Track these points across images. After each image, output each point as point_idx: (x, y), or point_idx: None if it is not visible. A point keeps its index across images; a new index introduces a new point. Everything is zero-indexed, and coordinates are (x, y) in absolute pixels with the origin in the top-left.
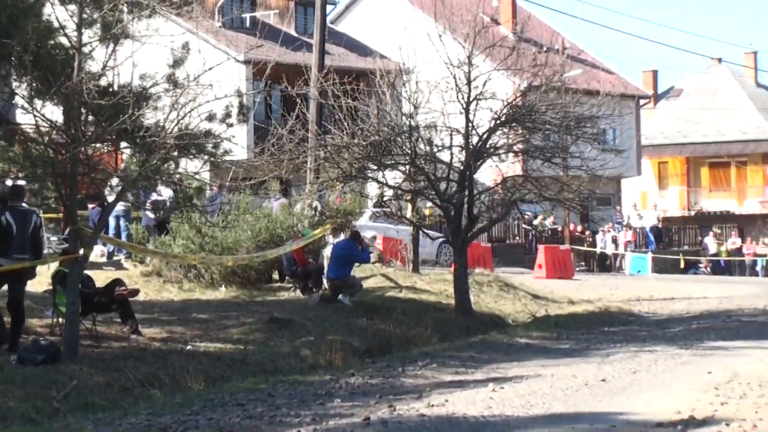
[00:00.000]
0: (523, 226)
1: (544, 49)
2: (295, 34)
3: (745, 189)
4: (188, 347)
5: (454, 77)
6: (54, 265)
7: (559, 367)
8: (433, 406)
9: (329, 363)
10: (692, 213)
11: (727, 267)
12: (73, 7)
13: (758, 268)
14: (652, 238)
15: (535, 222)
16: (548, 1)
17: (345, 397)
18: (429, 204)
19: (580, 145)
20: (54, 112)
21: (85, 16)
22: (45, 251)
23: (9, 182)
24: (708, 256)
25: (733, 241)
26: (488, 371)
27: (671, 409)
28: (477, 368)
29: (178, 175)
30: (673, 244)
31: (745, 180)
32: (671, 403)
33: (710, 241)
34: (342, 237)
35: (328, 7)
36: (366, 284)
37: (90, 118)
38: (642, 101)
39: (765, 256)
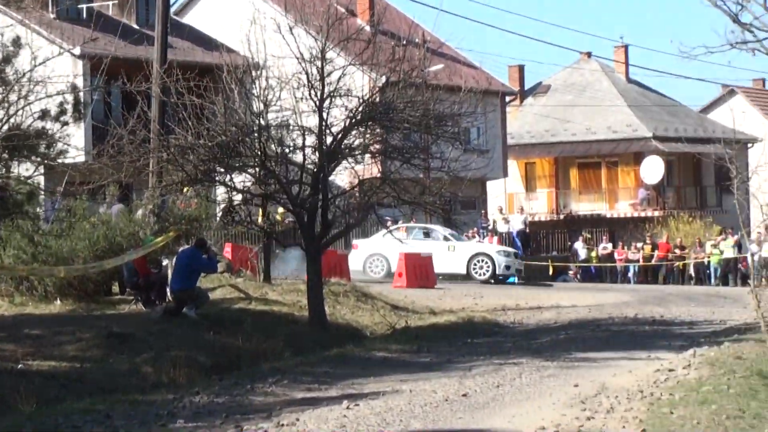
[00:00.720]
0: (383, 232)
1: (403, 42)
2: (136, 27)
3: (617, 191)
4: (19, 366)
5: (307, 73)
6: None
7: (418, 382)
8: (283, 425)
9: (172, 381)
10: (561, 217)
11: (598, 273)
12: None
13: (630, 274)
14: (519, 243)
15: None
16: None
17: (189, 417)
18: (281, 209)
19: (442, 145)
20: None
21: None
22: None
23: None
24: (578, 262)
25: (604, 246)
26: (343, 387)
27: (535, 425)
28: (331, 384)
29: (4, 180)
30: (541, 249)
31: (616, 182)
32: (535, 418)
33: (580, 247)
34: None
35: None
36: (213, 296)
37: None
38: (507, 98)
39: (637, 261)
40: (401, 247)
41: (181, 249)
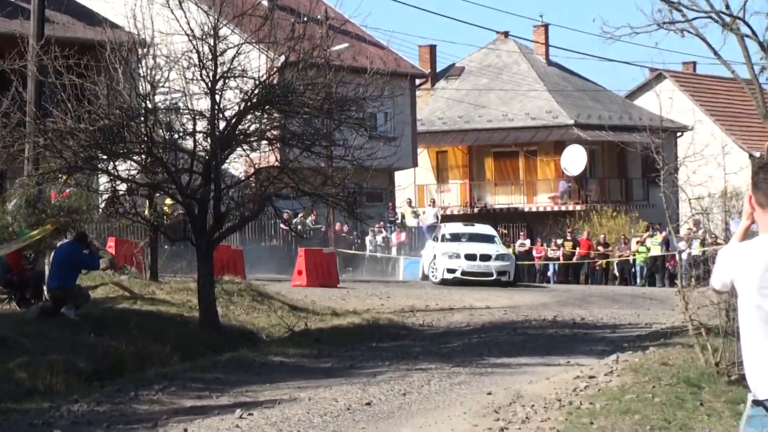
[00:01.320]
0: (281, 226)
1: (304, 18)
2: None
3: (535, 183)
4: None
5: (198, 51)
6: None
7: (318, 389)
8: None
9: (49, 388)
10: (475, 210)
11: (515, 272)
12: None
13: (549, 273)
14: (429, 237)
15: (295, 221)
16: None
17: (66, 427)
18: (169, 200)
19: (345, 131)
20: None
21: None
22: None
23: None
24: None
25: (522, 243)
26: (236, 395)
27: None
28: (223, 392)
29: None
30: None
31: (534, 173)
32: (445, 429)
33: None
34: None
35: None
36: (94, 294)
37: None
38: (417, 81)
39: (557, 259)
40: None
41: (59, 243)
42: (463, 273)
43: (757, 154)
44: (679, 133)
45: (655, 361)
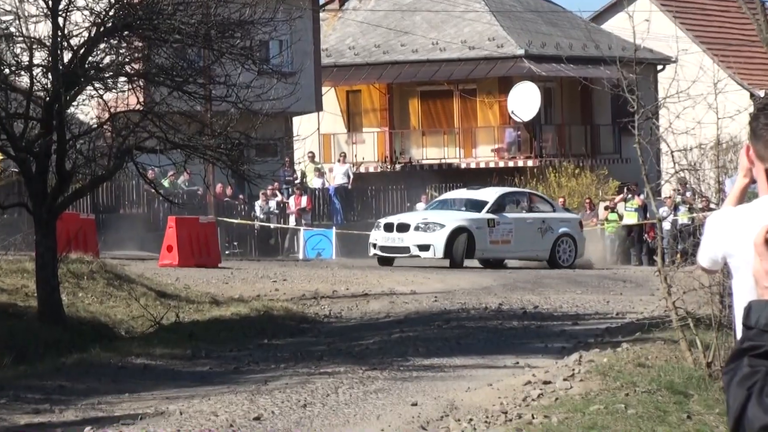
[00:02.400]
0: (145, 187)
1: None
2: None
3: (475, 132)
4: None
5: None
6: None
7: (193, 400)
8: None
9: None
10: (398, 167)
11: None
12: None
13: None
14: (338, 204)
15: (164, 181)
16: None
17: None
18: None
19: (228, 65)
20: None
21: None
22: None
23: None
24: None
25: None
26: (86, 408)
27: None
28: (69, 404)
29: None
30: (369, 212)
31: (474, 118)
32: None
33: (420, 209)
34: None
35: None
36: None
37: None
38: (321, 0)
39: None
40: None
41: None
42: (381, 249)
43: (761, 93)
44: (659, 67)
45: (629, 362)
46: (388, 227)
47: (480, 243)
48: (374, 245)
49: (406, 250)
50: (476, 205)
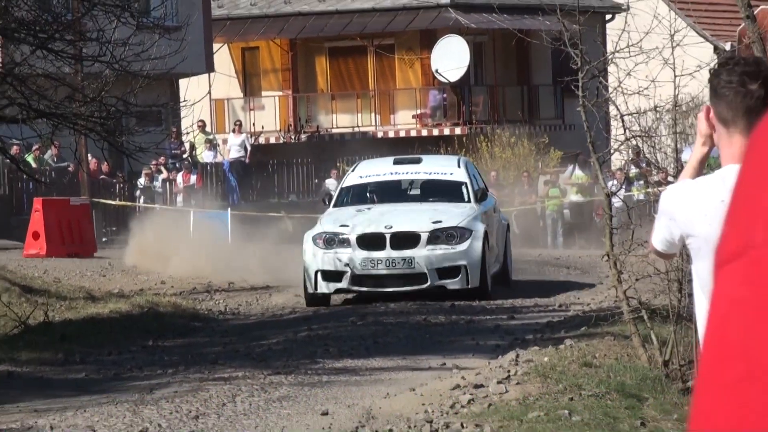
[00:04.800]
0: (6, 162)
1: None
2: None
3: (393, 95)
4: None
5: None
6: None
7: (66, 412)
8: None
9: None
10: (303, 137)
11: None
12: None
13: None
14: (234, 181)
15: (28, 157)
16: None
17: None
18: None
19: (101, 18)
20: None
21: None
22: None
23: None
24: None
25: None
26: None
27: None
28: None
29: None
30: (272, 192)
31: (392, 79)
32: None
33: (334, 185)
34: None
35: None
36: None
37: None
38: None
39: None
40: None
41: None
42: (354, 280)
43: (727, 46)
44: (608, 16)
45: (574, 361)
46: (374, 241)
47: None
48: (333, 274)
49: (420, 279)
50: (447, 190)
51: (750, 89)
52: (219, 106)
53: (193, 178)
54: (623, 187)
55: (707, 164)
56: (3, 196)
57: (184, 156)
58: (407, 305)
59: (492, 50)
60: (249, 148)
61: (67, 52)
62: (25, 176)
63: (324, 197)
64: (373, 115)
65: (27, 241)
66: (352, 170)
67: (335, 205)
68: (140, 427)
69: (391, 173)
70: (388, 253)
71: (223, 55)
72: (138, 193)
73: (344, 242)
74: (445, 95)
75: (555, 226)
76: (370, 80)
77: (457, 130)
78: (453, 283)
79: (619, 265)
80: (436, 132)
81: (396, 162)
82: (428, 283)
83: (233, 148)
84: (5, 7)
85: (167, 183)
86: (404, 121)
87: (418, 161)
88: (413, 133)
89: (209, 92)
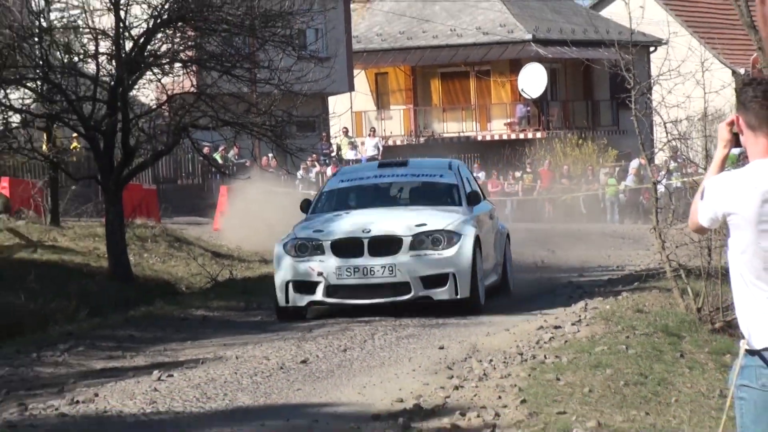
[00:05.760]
0: (200, 160)
1: None
2: None
3: (489, 108)
4: None
5: None
6: None
7: (247, 346)
8: (78, 402)
9: None
10: (422, 140)
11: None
12: None
13: (507, 210)
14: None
15: (216, 155)
16: None
17: None
18: (75, 134)
19: (271, 51)
20: None
21: None
22: None
23: None
24: None
25: (476, 176)
26: (153, 354)
27: (391, 396)
28: (138, 351)
29: None
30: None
31: (488, 96)
32: (391, 389)
33: None
34: None
35: None
36: None
37: None
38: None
39: (516, 194)
40: None
41: None
42: (329, 291)
43: (742, 71)
44: (652, 48)
45: (629, 308)
46: (346, 247)
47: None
48: (306, 285)
49: (403, 289)
50: (437, 193)
51: None
52: (358, 116)
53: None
54: (665, 177)
55: (728, 161)
56: (198, 184)
57: (332, 154)
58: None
59: (564, 74)
60: (381, 148)
61: (245, 76)
62: (213, 169)
63: (302, 203)
64: (474, 123)
65: (215, 219)
66: (334, 175)
67: (313, 212)
68: (302, 357)
69: (376, 176)
70: (366, 260)
71: (361, 79)
72: (297, 182)
73: (318, 249)
74: (528, 108)
75: (612, 207)
76: (472, 97)
77: (538, 135)
78: (440, 293)
79: (663, 236)
80: (522, 136)
81: (381, 166)
82: (412, 293)
83: (369, 148)
84: (199, 44)
85: (319, 174)
86: (498, 128)
87: (404, 164)
88: (504, 137)
89: (351, 107)
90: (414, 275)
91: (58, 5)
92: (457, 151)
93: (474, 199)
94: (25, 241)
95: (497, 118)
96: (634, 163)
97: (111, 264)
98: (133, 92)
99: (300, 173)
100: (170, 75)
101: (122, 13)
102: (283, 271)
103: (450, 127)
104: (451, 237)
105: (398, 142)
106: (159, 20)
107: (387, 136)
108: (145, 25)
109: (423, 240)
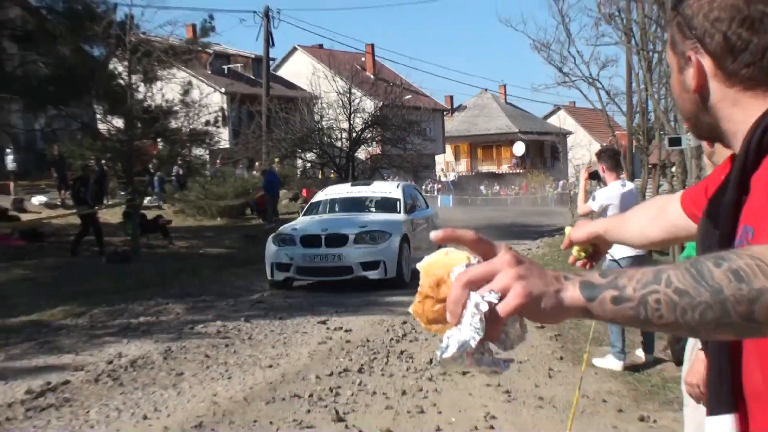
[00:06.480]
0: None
1: (391, 84)
2: (253, 77)
3: (501, 159)
4: (201, 251)
5: (342, 100)
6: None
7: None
8: None
9: None
10: (473, 173)
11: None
12: (125, 63)
13: (509, 203)
14: (452, 186)
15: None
16: (392, 56)
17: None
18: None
19: (412, 136)
20: (118, 122)
21: (133, 67)
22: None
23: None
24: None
25: (495, 189)
26: None
27: None
28: None
29: (188, 158)
30: (465, 190)
31: (501, 154)
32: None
33: (482, 188)
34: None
35: (271, 63)
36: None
37: (138, 125)
38: (445, 112)
39: (512, 195)
40: None
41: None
42: (298, 270)
43: (604, 143)
44: (567, 134)
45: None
46: (309, 240)
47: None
48: (283, 266)
49: (347, 270)
50: (388, 205)
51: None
52: (447, 163)
53: (439, 186)
54: (575, 187)
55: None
56: None
57: (437, 180)
58: (508, 223)
59: (532, 146)
60: (456, 176)
61: (402, 146)
62: None
63: (299, 209)
64: (495, 166)
65: None
66: (322, 190)
67: (304, 215)
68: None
69: (348, 192)
70: (323, 250)
71: (448, 148)
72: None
73: (292, 241)
74: (517, 160)
75: (552, 200)
76: (494, 154)
77: (520, 171)
78: (374, 274)
79: (572, 210)
80: (514, 171)
81: (353, 185)
82: (353, 273)
83: (451, 175)
84: (383, 134)
85: (431, 187)
86: (504, 168)
87: (369, 184)
88: (507, 172)
89: (444, 159)
90: (355, 261)
91: (325, 118)
92: (488, 178)
93: (411, 209)
94: None
95: (505, 163)
96: (561, 183)
97: None
98: (356, 153)
99: (424, 186)
100: (371, 146)
101: (352, 122)
102: (270, 255)
103: (485, 167)
104: (383, 235)
105: (464, 174)
106: (367, 124)
107: (459, 171)
108: (361, 126)
109: (363, 237)
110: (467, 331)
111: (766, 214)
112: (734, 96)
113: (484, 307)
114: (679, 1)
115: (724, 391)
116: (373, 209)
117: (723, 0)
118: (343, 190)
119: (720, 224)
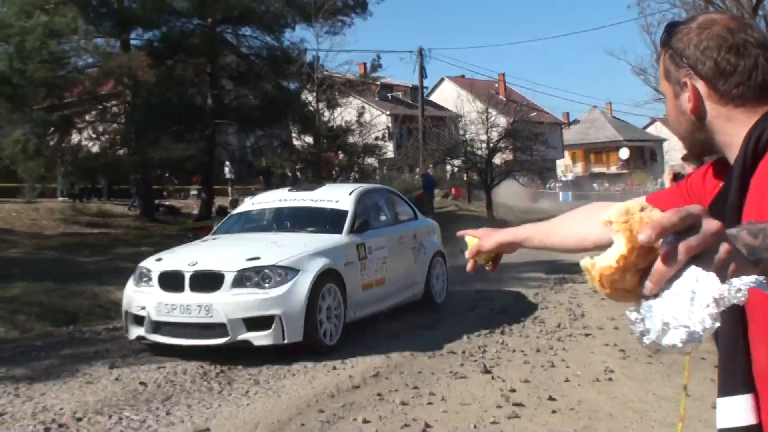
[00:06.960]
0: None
1: (519, 104)
2: (411, 102)
3: (610, 162)
4: None
5: (480, 118)
6: None
7: None
8: None
9: None
10: (588, 173)
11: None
12: (314, 94)
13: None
14: (571, 185)
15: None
16: (520, 81)
17: None
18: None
19: (538, 145)
20: (308, 139)
21: (319, 97)
22: None
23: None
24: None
25: (605, 186)
26: None
27: None
28: None
29: (363, 165)
30: (582, 188)
31: (609, 158)
32: None
33: (595, 185)
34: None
35: (425, 91)
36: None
37: (324, 141)
38: (563, 125)
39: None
40: None
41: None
42: (152, 326)
43: None
44: (664, 141)
45: None
46: (170, 280)
47: (352, 293)
48: (136, 319)
49: (220, 331)
50: (330, 220)
51: None
52: (566, 166)
53: (560, 184)
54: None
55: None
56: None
57: (558, 179)
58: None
59: (634, 151)
60: (574, 176)
61: (530, 152)
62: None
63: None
64: (605, 167)
65: None
66: (251, 197)
67: (213, 233)
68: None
69: (280, 200)
70: (186, 296)
71: (566, 153)
72: (545, 190)
73: (149, 279)
74: (622, 162)
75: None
76: (603, 158)
77: (625, 171)
78: (262, 338)
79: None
80: (621, 171)
81: (291, 189)
82: (228, 337)
83: (570, 176)
84: (515, 143)
85: (553, 186)
86: (612, 169)
87: (313, 189)
88: (615, 172)
89: (564, 162)
90: (232, 316)
91: (468, 132)
92: (600, 178)
93: (362, 226)
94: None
95: (613, 166)
96: (659, 181)
97: None
98: (494, 159)
99: (548, 184)
100: (505, 153)
101: (489, 134)
102: (126, 298)
103: (597, 168)
104: (284, 273)
105: (579, 174)
106: (502, 136)
107: (576, 173)
108: (497, 137)
109: (250, 276)
110: (695, 318)
111: (766, 210)
112: (727, 113)
113: (737, 298)
114: (668, 37)
115: (739, 371)
116: (309, 227)
117: (710, 31)
118: (276, 198)
119: (725, 225)
